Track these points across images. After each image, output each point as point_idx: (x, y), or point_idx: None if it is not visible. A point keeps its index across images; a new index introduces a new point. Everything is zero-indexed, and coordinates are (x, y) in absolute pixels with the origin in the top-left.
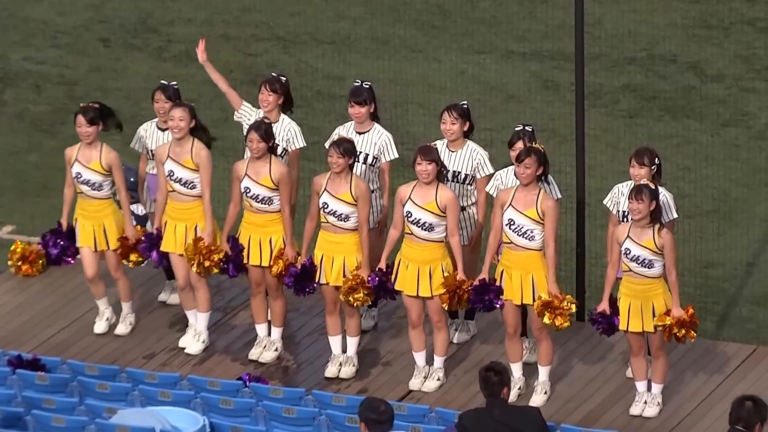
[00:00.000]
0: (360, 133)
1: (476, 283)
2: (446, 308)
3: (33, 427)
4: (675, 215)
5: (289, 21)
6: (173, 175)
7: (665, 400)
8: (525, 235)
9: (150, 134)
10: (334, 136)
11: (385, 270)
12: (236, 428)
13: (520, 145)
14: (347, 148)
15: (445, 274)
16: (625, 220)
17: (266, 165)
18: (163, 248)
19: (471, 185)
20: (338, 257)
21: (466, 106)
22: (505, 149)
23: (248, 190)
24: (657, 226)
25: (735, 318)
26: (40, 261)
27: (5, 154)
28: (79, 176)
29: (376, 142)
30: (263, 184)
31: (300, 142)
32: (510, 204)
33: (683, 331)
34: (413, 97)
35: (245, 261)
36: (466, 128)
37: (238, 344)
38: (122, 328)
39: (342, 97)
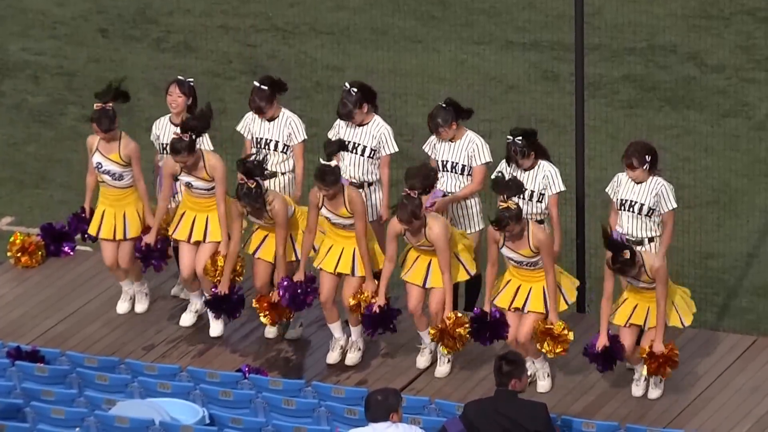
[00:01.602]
0: (359, 125)
1: (473, 314)
2: (446, 351)
3: (32, 419)
4: (674, 205)
5: (288, 11)
6: (191, 186)
7: (665, 392)
8: (528, 266)
9: (164, 131)
10: (335, 127)
11: (384, 307)
12: (236, 420)
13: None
14: (331, 180)
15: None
16: (623, 208)
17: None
18: (176, 237)
19: (470, 175)
20: (348, 247)
21: (446, 105)
22: (504, 140)
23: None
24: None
25: (735, 309)
26: (40, 252)
27: (3, 145)
28: (99, 166)
29: (375, 134)
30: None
31: (302, 135)
32: (504, 243)
33: (662, 367)
34: (412, 88)
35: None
36: (457, 123)
37: (237, 336)
38: (140, 307)
39: (341, 87)
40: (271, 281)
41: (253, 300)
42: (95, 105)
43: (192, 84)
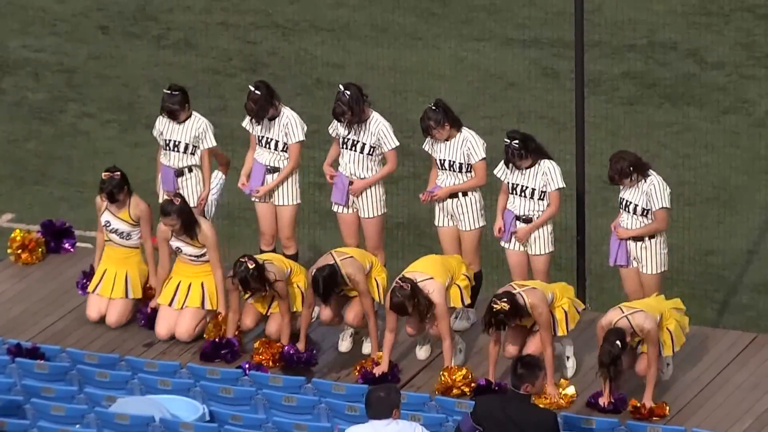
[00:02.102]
0: (357, 123)
1: (479, 384)
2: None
3: (32, 416)
4: (663, 204)
5: (288, 8)
6: (181, 251)
7: (665, 389)
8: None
9: (167, 127)
10: (334, 124)
11: (385, 374)
12: (236, 416)
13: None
14: (328, 291)
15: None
16: (621, 207)
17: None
18: (160, 301)
19: (470, 172)
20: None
21: (435, 108)
22: (501, 136)
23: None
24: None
25: (735, 306)
26: (40, 249)
27: (4, 142)
28: (108, 224)
29: (374, 131)
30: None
31: (298, 136)
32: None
33: (646, 418)
34: (412, 85)
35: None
36: (448, 126)
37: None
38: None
39: (341, 84)
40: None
41: (259, 343)
42: (103, 174)
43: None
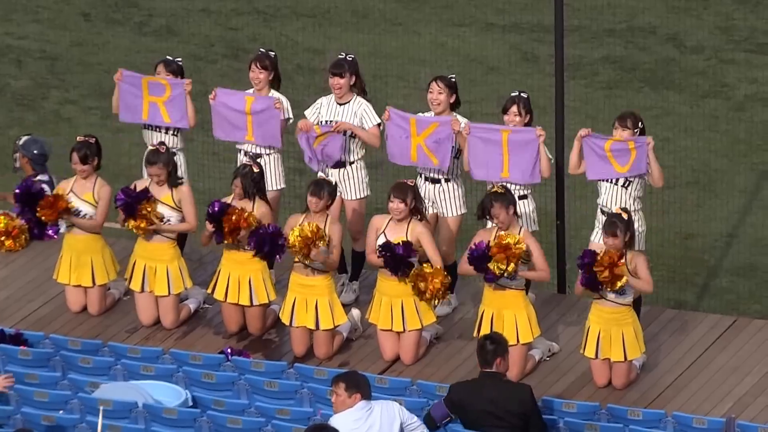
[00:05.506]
0: (340, 104)
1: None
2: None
3: (16, 402)
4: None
5: None
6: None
7: (645, 372)
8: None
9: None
10: (316, 105)
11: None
12: (218, 402)
13: (514, 109)
14: (330, 191)
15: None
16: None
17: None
18: (131, 287)
19: (457, 158)
20: (312, 299)
21: (454, 80)
22: (485, 121)
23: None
24: (630, 254)
25: (715, 289)
26: (23, 236)
27: None
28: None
29: (357, 111)
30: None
31: (288, 114)
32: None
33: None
34: (393, 70)
35: (224, 299)
36: (452, 100)
37: (219, 318)
38: (117, 293)
39: (323, 70)
40: (244, 326)
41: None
42: (78, 138)
43: (180, 63)
